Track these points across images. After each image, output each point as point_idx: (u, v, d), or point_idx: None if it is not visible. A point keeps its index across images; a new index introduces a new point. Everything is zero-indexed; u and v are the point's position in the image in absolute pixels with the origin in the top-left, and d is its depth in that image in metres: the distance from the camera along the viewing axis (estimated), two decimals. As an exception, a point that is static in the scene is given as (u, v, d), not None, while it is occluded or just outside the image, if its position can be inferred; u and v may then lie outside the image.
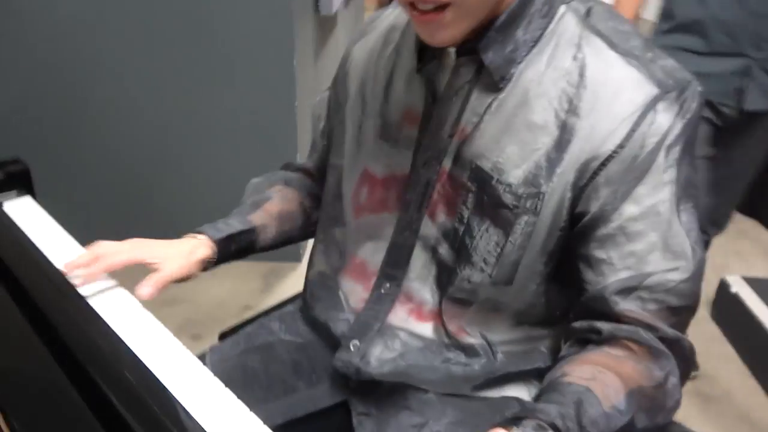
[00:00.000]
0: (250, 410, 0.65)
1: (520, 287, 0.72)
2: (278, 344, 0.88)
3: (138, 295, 0.75)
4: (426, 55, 0.73)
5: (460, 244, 0.72)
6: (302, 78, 2.09)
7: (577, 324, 0.70)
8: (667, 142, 0.64)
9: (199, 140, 2.13)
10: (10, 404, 0.53)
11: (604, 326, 0.67)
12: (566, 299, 0.73)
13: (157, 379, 0.60)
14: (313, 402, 0.82)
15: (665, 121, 0.63)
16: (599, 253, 0.66)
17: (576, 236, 0.68)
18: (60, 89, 2.05)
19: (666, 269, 0.65)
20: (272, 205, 0.91)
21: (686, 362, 0.68)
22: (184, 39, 1.96)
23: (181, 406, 0.58)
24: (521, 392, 0.79)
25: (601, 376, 0.63)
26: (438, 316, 0.76)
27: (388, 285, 0.78)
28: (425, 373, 0.77)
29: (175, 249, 0.80)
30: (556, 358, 0.73)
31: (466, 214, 0.71)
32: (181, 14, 1.92)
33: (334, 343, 0.82)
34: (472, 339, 0.76)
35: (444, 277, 0.74)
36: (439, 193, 0.73)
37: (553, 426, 0.57)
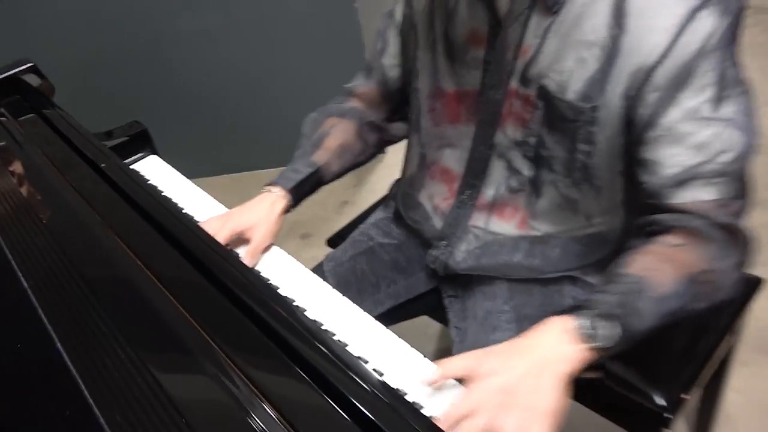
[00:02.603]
0: (364, 302, 0.82)
1: (590, 187, 0.82)
2: (378, 247, 1.06)
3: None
4: None
5: (535, 154, 0.82)
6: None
7: (639, 220, 0.78)
8: (708, 48, 0.68)
9: (268, 50, 2.24)
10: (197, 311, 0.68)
11: (659, 218, 0.74)
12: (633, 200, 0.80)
13: (279, 293, 0.78)
14: (411, 290, 1.02)
15: (705, 29, 0.67)
16: (650, 155, 0.73)
17: (633, 142, 0.75)
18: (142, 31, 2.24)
19: (710, 161, 0.71)
20: (331, 140, 1.01)
21: (742, 246, 0.74)
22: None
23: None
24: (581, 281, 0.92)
25: (657, 264, 0.70)
26: (512, 212, 0.89)
27: (469, 192, 0.91)
28: (500, 265, 0.91)
29: (258, 213, 0.92)
30: (618, 250, 0.81)
31: (535, 127, 0.80)
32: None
33: (424, 242, 0.99)
34: (543, 233, 0.88)
35: (516, 181, 0.86)
36: (509, 110, 0.82)
37: (608, 315, 0.64)
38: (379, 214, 1.14)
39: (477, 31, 0.83)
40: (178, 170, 1.20)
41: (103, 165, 0.90)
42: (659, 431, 0.95)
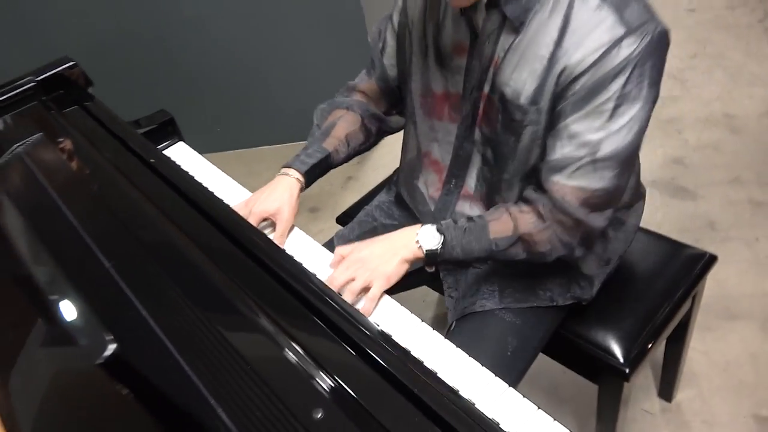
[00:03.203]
0: None
1: (531, 172, 0.97)
2: (381, 228, 1.22)
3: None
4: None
5: (497, 149, 0.98)
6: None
7: (525, 191, 0.97)
8: (620, 70, 0.82)
9: (279, 37, 2.37)
10: (229, 269, 0.88)
11: (528, 192, 0.95)
12: None
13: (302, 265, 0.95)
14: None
15: (622, 55, 0.82)
16: (550, 142, 0.90)
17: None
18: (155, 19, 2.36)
19: (586, 156, 0.86)
20: (339, 129, 1.14)
21: (572, 231, 0.93)
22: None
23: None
24: None
25: (504, 217, 0.95)
26: (484, 200, 1.05)
27: (454, 181, 1.07)
28: None
29: (280, 197, 1.06)
30: None
31: (498, 126, 0.97)
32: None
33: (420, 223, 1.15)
34: None
35: (488, 172, 1.02)
36: (483, 111, 0.98)
37: (441, 231, 0.94)
38: (382, 197, 1.29)
39: (460, 43, 0.97)
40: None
41: (152, 160, 1.05)
42: (620, 384, 1.12)
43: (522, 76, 0.90)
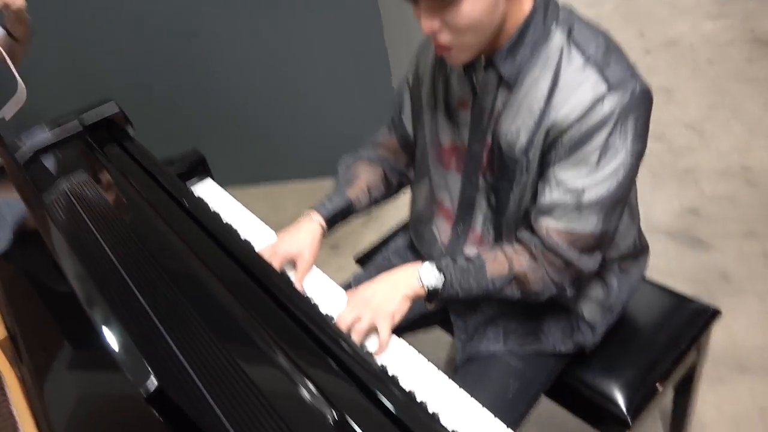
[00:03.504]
0: None
1: (525, 216, 1.03)
2: (396, 270, 1.28)
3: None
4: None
5: (498, 195, 1.05)
6: (385, 12, 2.35)
7: (517, 233, 1.03)
8: (603, 124, 0.88)
9: (303, 81, 2.49)
10: (262, 318, 0.95)
11: (521, 233, 1.01)
12: None
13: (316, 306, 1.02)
14: (423, 306, 1.23)
15: (604, 111, 0.88)
16: (540, 187, 0.97)
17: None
18: (183, 59, 2.50)
19: (572, 201, 0.93)
20: (361, 180, 1.23)
21: (561, 271, 0.99)
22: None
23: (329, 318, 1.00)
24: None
25: (500, 258, 1.01)
26: (492, 244, 1.10)
27: (461, 225, 1.13)
28: None
29: (303, 240, 1.13)
30: None
31: (497, 174, 1.03)
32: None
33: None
34: None
35: (495, 217, 1.08)
36: (487, 159, 1.05)
37: (441, 270, 0.99)
38: (398, 242, 1.36)
39: (463, 98, 1.05)
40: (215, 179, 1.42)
41: (184, 200, 1.13)
42: (622, 432, 1.16)
43: (516, 129, 0.97)
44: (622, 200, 0.96)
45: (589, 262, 0.99)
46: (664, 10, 3.69)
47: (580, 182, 0.92)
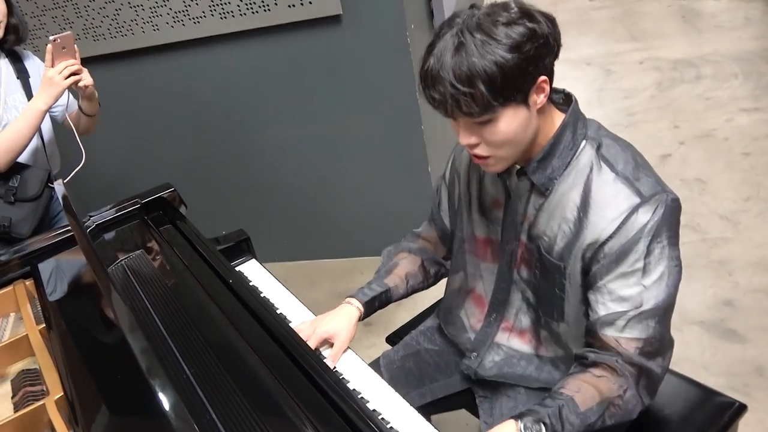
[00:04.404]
0: (410, 393, 1.07)
1: (570, 321, 1.07)
2: (423, 352, 1.34)
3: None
4: None
5: (537, 292, 1.10)
6: (425, 110, 2.50)
7: (577, 351, 1.04)
8: (642, 234, 0.94)
9: (349, 163, 2.63)
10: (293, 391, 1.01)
11: (589, 354, 1.00)
12: None
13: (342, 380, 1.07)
14: (449, 388, 1.28)
15: (640, 221, 0.94)
16: (593, 299, 1.00)
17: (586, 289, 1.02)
18: (234, 142, 2.68)
19: (631, 310, 0.96)
20: (400, 269, 1.30)
21: (645, 382, 0.99)
22: (328, 84, 2.45)
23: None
24: None
25: (585, 388, 0.97)
26: (527, 337, 1.15)
27: (495, 315, 1.19)
28: (518, 375, 1.17)
29: (341, 322, 1.19)
30: None
31: (537, 272, 1.09)
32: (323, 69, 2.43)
33: (460, 351, 1.26)
34: (549, 354, 1.14)
35: (531, 312, 1.13)
36: (521, 257, 1.11)
37: (540, 421, 0.92)
38: (427, 323, 1.42)
39: (497, 199, 1.13)
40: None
41: (231, 281, 1.23)
42: None
43: (552, 232, 1.03)
44: (673, 303, 1.00)
45: (659, 367, 1.00)
46: (698, 104, 3.77)
47: (634, 290, 0.96)
